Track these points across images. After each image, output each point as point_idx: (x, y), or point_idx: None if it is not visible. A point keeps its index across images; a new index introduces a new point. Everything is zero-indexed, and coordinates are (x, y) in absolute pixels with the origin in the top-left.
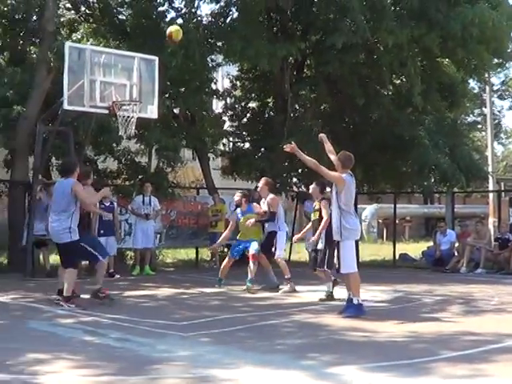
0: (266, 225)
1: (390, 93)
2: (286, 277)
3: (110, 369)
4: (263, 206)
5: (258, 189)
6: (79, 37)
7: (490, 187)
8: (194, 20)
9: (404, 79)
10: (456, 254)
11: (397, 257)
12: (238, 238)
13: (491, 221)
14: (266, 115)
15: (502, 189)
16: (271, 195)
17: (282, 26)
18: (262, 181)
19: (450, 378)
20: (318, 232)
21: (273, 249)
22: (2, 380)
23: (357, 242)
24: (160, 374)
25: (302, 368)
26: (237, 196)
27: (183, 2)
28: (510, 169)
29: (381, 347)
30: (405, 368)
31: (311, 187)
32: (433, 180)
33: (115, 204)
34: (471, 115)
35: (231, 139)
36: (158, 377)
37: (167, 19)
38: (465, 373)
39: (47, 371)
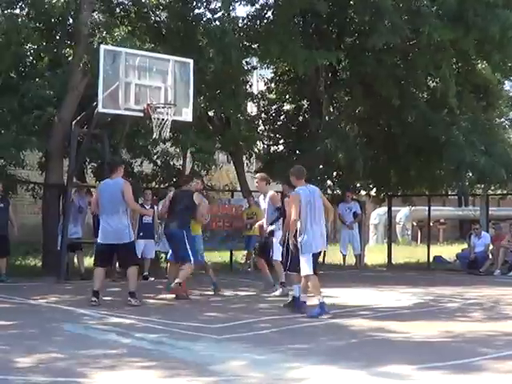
0: (265, 224)
1: (425, 95)
2: (280, 281)
3: (158, 370)
4: (262, 204)
5: (256, 186)
6: (118, 39)
7: None
8: (231, 22)
9: (439, 81)
10: (490, 256)
11: (431, 259)
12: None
13: None
14: (301, 118)
15: None
16: (271, 191)
17: (317, 29)
18: (258, 176)
19: (505, 373)
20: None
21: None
22: (40, 381)
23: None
24: (219, 376)
25: (356, 367)
26: (197, 182)
27: (219, 5)
28: None
29: (421, 347)
30: (456, 367)
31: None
32: (468, 182)
33: (155, 207)
34: (505, 118)
35: (265, 142)
36: (221, 379)
37: (203, 21)
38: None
39: (83, 373)
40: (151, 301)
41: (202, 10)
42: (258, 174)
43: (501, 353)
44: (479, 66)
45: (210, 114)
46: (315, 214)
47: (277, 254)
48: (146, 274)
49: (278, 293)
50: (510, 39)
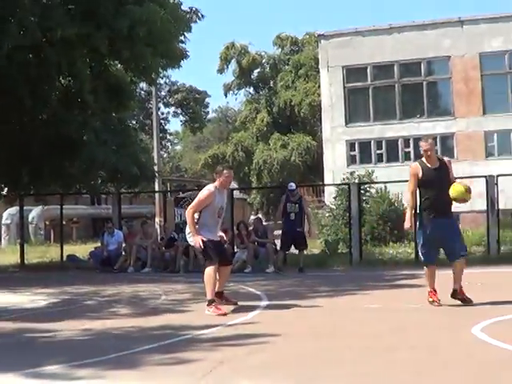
0: None
1: (57, 93)
2: None
3: None
4: None
5: None
6: None
7: (156, 188)
8: None
9: (72, 80)
10: (123, 253)
11: (64, 258)
12: None
13: (157, 220)
14: None
15: (168, 189)
16: None
17: None
18: None
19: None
20: None
21: None
22: None
23: None
24: None
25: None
26: None
27: None
28: (175, 170)
29: (63, 347)
30: (97, 364)
31: None
32: (101, 180)
33: None
34: (138, 119)
35: None
36: None
37: None
38: (163, 361)
39: None
40: None
41: None
42: None
43: (141, 347)
44: (112, 64)
45: None
46: None
47: None
48: None
49: None
50: (139, 36)
